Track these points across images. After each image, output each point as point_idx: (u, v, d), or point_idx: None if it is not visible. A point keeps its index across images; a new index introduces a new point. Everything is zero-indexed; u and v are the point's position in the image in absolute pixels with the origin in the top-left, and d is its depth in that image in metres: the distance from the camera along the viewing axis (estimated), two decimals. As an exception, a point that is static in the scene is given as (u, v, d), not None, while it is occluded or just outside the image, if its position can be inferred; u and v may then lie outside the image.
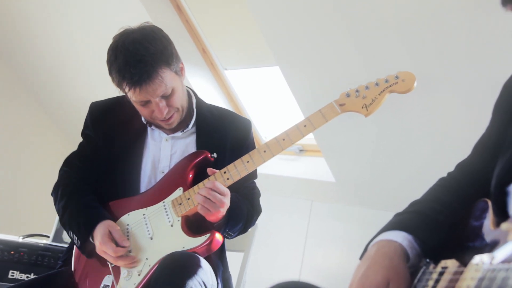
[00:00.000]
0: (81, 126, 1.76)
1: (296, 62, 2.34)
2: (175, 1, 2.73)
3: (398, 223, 0.93)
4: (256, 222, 1.97)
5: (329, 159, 2.66)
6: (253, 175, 1.74)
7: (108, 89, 1.64)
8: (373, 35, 2.00)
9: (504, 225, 0.64)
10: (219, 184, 1.47)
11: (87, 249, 1.57)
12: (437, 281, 0.75)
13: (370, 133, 2.35)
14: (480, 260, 0.66)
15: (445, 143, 2.11)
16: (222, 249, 1.70)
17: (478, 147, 1.01)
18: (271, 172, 2.94)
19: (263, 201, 2.99)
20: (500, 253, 0.63)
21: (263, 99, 3.06)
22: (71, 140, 3.74)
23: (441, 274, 0.76)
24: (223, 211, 1.48)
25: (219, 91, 2.98)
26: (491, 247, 0.68)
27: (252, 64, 2.78)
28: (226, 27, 2.75)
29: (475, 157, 1.01)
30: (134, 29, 1.55)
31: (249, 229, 1.91)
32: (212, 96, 2.96)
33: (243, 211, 1.63)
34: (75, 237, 1.57)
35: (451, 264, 0.75)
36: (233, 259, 1.88)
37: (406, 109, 2.13)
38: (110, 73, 1.55)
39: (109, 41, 1.58)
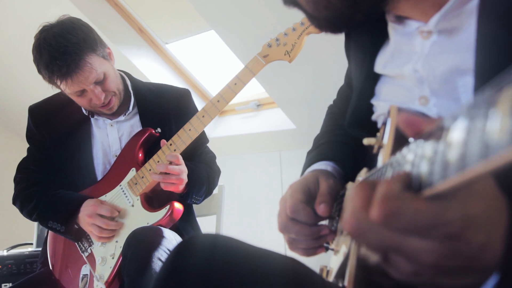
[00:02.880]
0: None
1: (228, 22, 2.35)
2: (99, -13, 2.70)
3: (314, 157, 0.98)
4: (223, 184, 2.04)
5: (285, 108, 2.72)
6: (204, 140, 1.80)
7: (41, 88, 1.65)
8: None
9: (365, 140, 0.72)
10: (170, 155, 1.53)
11: (72, 232, 1.64)
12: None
13: (311, 73, 2.39)
14: (359, 174, 0.76)
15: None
16: (190, 214, 1.77)
17: (346, 77, 1.09)
18: (234, 132, 3.00)
19: (233, 163, 3.06)
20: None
21: (210, 64, 3.08)
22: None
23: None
24: (185, 178, 1.55)
25: (165, 66, 2.99)
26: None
27: (190, 33, 2.78)
28: (156, 2, 2.74)
29: (345, 84, 1.10)
30: (53, 24, 1.57)
31: (215, 191, 2.00)
32: (160, 73, 2.97)
33: (203, 174, 1.70)
34: (57, 224, 1.62)
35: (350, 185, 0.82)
36: (208, 223, 1.96)
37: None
38: (39, 71, 1.57)
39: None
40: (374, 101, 0.84)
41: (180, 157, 1.55)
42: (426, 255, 0.43)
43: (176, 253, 0.66)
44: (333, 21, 0.71)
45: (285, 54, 1.53)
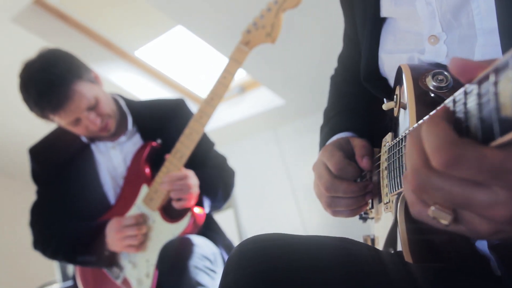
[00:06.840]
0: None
1: (194, 13, 2.31)
2: (56, 12, 2.62)
3: (329, 131, 0.96)
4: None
5: (269, 85, 2.71)
6: (209, 143, 1.78)
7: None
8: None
9: (384, 106, 0.72)
10: (174, 174, 1.52)
11: (104, 260, 1.63)
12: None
13: (288, 44, 2.37)
14: (385, 139, 0.77)
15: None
16: (211, 221, 1.75)
17: (344, 39, 1.06)
18: (225, 122, 2.99)
19: (231, 151, 3.05)
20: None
21: (183, 59, 3.05)
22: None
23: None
24: (195, 191, 1.54)
25: (141, 73, 2.95)
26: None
27: (156, 34, 2.74)
28: (115, 13, 2.68)
29: (344, 48, 1.07)
30: (34, 60, 1.55)
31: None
32: (137, 81, 2.93)
33: (216, 179, 1.68)
34: (89, 256, 1.62)
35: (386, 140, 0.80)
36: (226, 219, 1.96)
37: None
38: (31, 109, 1.55)
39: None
40: (381, 54, 0.83)
41: (184, 173, 1.53)
42: (500, 209, 0.38)
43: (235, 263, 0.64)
44: None
45: (266, 36, 1.51)
